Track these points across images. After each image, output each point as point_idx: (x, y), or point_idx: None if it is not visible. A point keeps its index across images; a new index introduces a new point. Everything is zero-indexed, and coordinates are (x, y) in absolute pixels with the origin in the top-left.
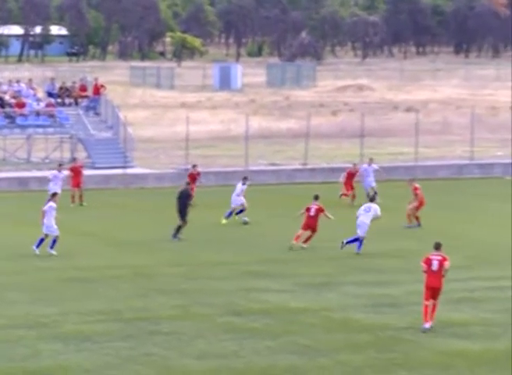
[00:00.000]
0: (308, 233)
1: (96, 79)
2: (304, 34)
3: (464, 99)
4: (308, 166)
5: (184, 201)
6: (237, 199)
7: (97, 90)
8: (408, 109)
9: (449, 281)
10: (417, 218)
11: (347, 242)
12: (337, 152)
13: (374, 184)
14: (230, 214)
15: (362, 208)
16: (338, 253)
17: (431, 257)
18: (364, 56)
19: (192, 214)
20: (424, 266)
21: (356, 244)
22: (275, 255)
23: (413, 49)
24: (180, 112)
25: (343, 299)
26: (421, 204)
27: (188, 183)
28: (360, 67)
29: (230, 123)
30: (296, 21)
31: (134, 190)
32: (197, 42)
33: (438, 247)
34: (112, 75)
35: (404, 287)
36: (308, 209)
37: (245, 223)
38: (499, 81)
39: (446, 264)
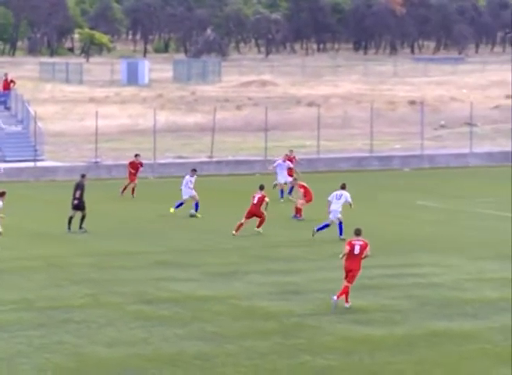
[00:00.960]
0: (250, 221)
1: (6, 74)
2: (209, 31)
3: (363, 94)
4: (214, 159)
5: (81, 192)
6: (188, 191)
7: (7, 85)
8: (310, 104)
9: None
10: (298, 210)
11: (318, 229)
12: (242, 145)
13: (290, 179)
14: (181, 204)
15: (333, 195)
16: (244, 243)
17: (353, 242)
18: (268, 53)
19: (106, 206)
20: (347, 248)
21: (324, 229)
22: (184, 246)
23: (314, 46)
24: (89, 107)
25: (249, 287)
26: (309, 200)
27: (83, 176)
28: (264, 63)
29: (138, 117)
30: (201, 18)
31: (45, 182)
32: (104, 39)
33: (358, 233)
34: (22, 70)
35: (308, 275)
36: (253, 198)
37: (192, 215)
38: (396, 77)
39: (367, 250)
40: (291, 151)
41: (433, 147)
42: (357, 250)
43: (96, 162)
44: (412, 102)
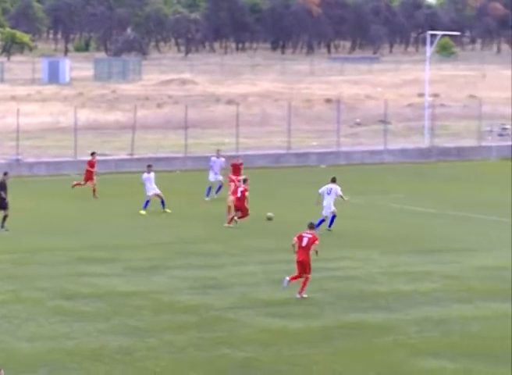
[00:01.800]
0: (239, 213)
1: None
2: (129, 31)
3: (281, 92)
4: (135, 156)
5: (3, 191)
6: (151, 189)
7: None
8: (229, 102)
9: (270, 263)
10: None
11: (316, 226)
12: (163, 143)
13: (221, 177)
14: (147, 203)
15: (323, 189)
16: (165, 239)
17: (303, 234)
18: (187, 52)
19: (27, 203)
20: (295, 240)
21: (320, 222)
22: (106, 241)
23: (233, 45)
24: (11, 105)
25: (170, 282)
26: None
27: (5, 174)
28: (184, 62)
29: (59, 115)
30: (121, 18)
31: None
32: (26, 37)
33: (311, 226)
34: None
35: (227, 270)
36: (235, 192)
37: (164, 210)
38: (313, 76)
39: (315, 244)
40: (236, 158)
41: (349, 144)
42: (304, 242)
43: (17, 160)
44: (328, 100)
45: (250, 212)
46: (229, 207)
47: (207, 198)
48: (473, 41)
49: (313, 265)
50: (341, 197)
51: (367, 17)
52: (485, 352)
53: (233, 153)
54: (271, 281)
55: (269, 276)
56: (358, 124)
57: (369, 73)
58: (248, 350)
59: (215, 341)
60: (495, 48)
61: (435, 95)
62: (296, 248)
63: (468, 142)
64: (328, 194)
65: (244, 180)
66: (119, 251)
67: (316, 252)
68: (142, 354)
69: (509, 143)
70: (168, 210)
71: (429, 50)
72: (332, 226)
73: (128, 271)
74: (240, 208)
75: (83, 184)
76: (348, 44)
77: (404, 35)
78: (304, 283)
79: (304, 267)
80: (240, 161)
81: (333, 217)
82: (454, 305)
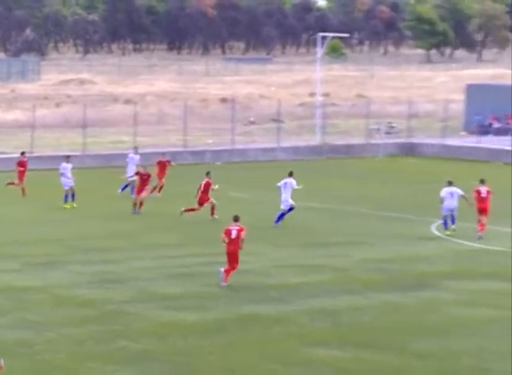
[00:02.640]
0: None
1: None
2: (28, 31)
3: (177, 92)
4: (34, 154)
5: None
6: (68, 182)
7: None
8: (127, 101)
9: (168, 258)
10: (141, 204)
11: (277, 221)
12: (62, 141)
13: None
14: (67, 197)
15: (282, 183)
16: (64, 234)
17: (230, 228)
18: (86, 52)
19: None
20: (224, 236)
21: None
22: (4, 237)
23: (130, 46)
24: None
25: (68, 277)
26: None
27: None
28: (82, 62)
29: None
30: (20, 19)
31: None
32: None
33: (236, 219)
34: None
35: (127, 264)
36: (200, 186)
37: (72, 204)
38: (208, 76)
39: (243, 234)
40: (163, 155)
41: (243, 142)
42: (233, 234)
43: None
44: (223, 100)
45: (147, 208)
46: (135, 203)
47: (120, 192)
48: (361, 43)
49: (210, 259)
50: (297, 187)
51: (260, 19)
52: (373, 341)
53: (131, 151)
54: (168, 276)
55: (166, 270)
56: (252, 123)
57: (262, 73)
58: (145, 342)
59: (113, 333)
60: (382, 49)
61: (326, 95)
62: (227, 242)
63: (357, 140)
64: (285, 188)
65: (207, 173)
66: (16, 246)
67: (242, 241)
68: (41, 347)
69: (396, 140)
70: (75, 205)
71: (320, 51)
72: (280, 221)
73: (26, 266)
74: (203, 201)
75: (17, 184)
76: (242, 45)
77: (296, 37)
78: (229, 271)
79: (234, 258)
80: (167, 158)
81: (290, 210)
82: (343, 297)
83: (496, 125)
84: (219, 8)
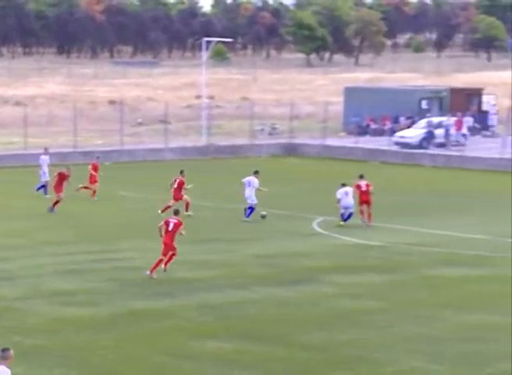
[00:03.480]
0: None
1: None
2: None
3: (67, 95)
4: None
5: None
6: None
7: None
8: (17, 103)
9: (61, 255)
10: (56, 202)
11: (247, 217)
12: None
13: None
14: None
15: (245, 180)
16: None
17: (169, 219)
18: None
19: None
20: (162, 224)
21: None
22: None
23: (20, 50)
24: None
25: None
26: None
27: None
28: None
29: None
30: None
31: None
32: None
33: (176, 213)
34: None
35: (21, 262)
36: (173, 183)
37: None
38: (97, 79)
39: (181, 227)
40: (97, 157)
41: (132, 142)
42: (171, 226)
43: None
44: (112, 102)
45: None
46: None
47: (45, 195)
48: (245, 48)
49: (101, 256)
50: (259, 189)
51: (146, 24)
52: (259, 334)
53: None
54: (60, 272)
55: (59, 267)
56: (140, 124)
57: (150, 76)
58: (38, 337)
59: (5, 329)
60: (264, 53)
61: (211, 97)
62: (164, 232)
63: (242, 140)
64: (248, 186)
65: (181, 171)
66: None
67: (181, 234)
68: None
69: (278, 141)
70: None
71: (205, 55)
72: (250, 216)
73: None
74: (176, 197)
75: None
76: (130, 49)
77: (182, 41)
78: (170, 258)
79: (169, 248)
80: (97, 161)
81: (251, 208)
82: (231, 291)
83: (372, 126)
84: (107, 14)
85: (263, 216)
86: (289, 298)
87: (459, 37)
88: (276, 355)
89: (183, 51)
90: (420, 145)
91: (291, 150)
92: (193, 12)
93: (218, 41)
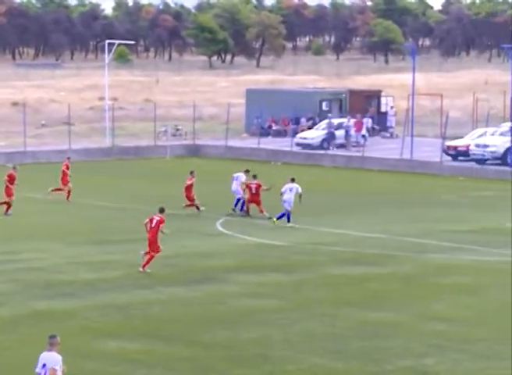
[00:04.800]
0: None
1: None
2: None
3: None
4: None
5: None
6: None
7: None
8: None
9: None
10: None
11: (288, 220)
12: None
13: None
14: None
15: (285, 190)
16: None
17: (154, 217)
18: None
19: None
20: (147, 221)
21: None
22: None
23: None
24: None
25: None
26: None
27: None
28: None
29: None
30: None
31: None
32: None
33: (161, 211)
34: None
35: None
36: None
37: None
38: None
39: (161, 226)
40: (68, 158)
41: (35, 144)
42: (154, 223)
43: None
44: (15, 104)
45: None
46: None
47: None
48: (147, 50)
49: (3, 257)
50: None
51: (48, 26)
52: (163, 333)
53: None
54: None
55: None
56: (44, 126)
57: (52, 78)
58: None
59: None
60: (167, 56)
61: (115, 99)
62: (148, 228)
63: (145, 142)
64: (290, 190)
65: (191, 172)
66: None
67: (162, 232)
68: None
69: (182, 142)
70: None
71: (107, 57)
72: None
73: None
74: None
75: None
76: (32, 51)
77: (84, 44)
78: (149, 259)
79: (153, 244)
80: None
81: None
82: (135, 291)
83: (274, 127)
84: (9, 16)
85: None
86: (193, 298)
87: (357, 41)
88: (180, 354)
89: (86, 54)
90: (321, 146)
91: (194, 151)
92: (94, 14)
93: (120, 44)
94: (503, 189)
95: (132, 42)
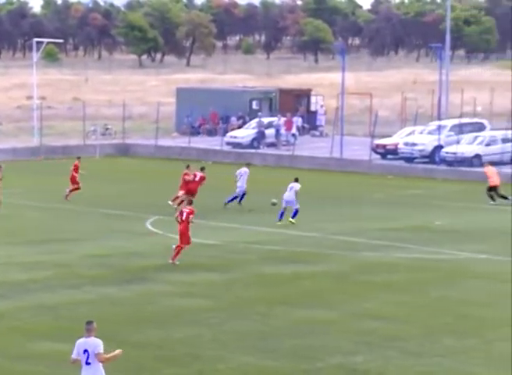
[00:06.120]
0: None
1: None
2: None
3: None
4: None
5: None
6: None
7: None
8: None
9: None
10: None
11: (293, 216)
12: None
13: None
14: None
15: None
16: None
17: (183, 209)
18: None
19: None
20: (178, 215)
21: None
22: None
23: None
24: None
25: None
26: None
27: None
28: None
29: None
30: None
31: None
32: None
33: (190, 203)
34: None
35: None
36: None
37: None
38: None
39: (191, 216)
40: (78, 158)
41: None
42: (184, 216)
43: None
44: None
45: None
46: None
47: None
48: (76, 48)
49: None
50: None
51: None
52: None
53: None
54: None
55: None
56: None
57: None
58: None
59: None
60: (96, 54)
61: (43, 98)
62: (179, 221)
63: (74, 141)
64: (290, 190)
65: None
66: None
67: (191, 222)
68: None
69: (111, 142)
70: None
71: (36, 56)
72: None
73: None
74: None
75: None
76: None
77: (12, 42)
78: (178, 251)
79: (184, 236)
80: None
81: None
82: (66, 291)
83: (205, 126)
84: None
85: (274, 204)
86: (123, 298)
87: (287, 40)
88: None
89: (14, 52)
90: (251, 145)
91: (124, 150)
92: (22, 12)
93: (49, 42)
94: (431, 187)
95: (61, 41)
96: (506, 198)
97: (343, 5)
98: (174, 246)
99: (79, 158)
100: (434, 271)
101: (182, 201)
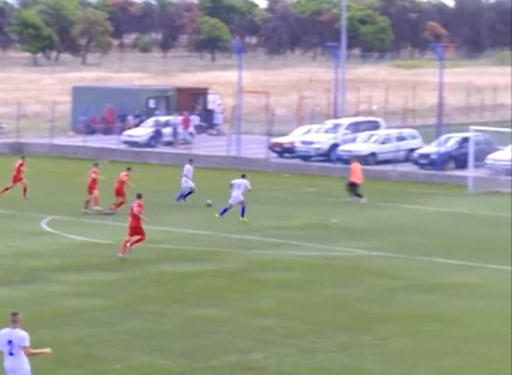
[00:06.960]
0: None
1: None
2: None
3: None
4: None
5: None
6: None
7: None
8: None
9: None
10: None
11: (222, 213)
12: None
13: None
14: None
15: (235, 183)
16: None
17: (132, 204)
18: None
19: None
20: (129, 210)
21: None
22: None
23: None
24: None
25: None
26: None
27: None
28: None
29: None
30: None
31: None
32: None
33: (139, 196)
34: None
35: None
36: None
37: (208, 205)
38: None
39: (138, 209)
40: (23, 157)
41: None
42: (134, 210)
43: None
44: None
45: None
46: None
47: None
48: None
49: None
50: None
51: None
52: None
53: None
54: None
55: None
56: None
57: None
58: None
59: None
60: None
61: None
62: (130, 216)
63: None
64: (238, 187)
65: (129, 168)
66: None
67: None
68: None
69: (5, 140)
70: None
71: None
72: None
73: None
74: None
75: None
76: None
77: None
78: (138, 241)
79: (135, 231)
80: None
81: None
82: None
83: (101, 125)
84: None
85: (209, 205)
86: (17, 298)
87: (184, 38)
88: None
89: None
90: (148, 144)
91: (18, 149)
92: None
93: None
94: (327, 185)
95: None
96: (361, 196)
97: (240, 4)
98: (129, 244)
99: (23, 157)
100: (328, 269)
101: (88, 201)
